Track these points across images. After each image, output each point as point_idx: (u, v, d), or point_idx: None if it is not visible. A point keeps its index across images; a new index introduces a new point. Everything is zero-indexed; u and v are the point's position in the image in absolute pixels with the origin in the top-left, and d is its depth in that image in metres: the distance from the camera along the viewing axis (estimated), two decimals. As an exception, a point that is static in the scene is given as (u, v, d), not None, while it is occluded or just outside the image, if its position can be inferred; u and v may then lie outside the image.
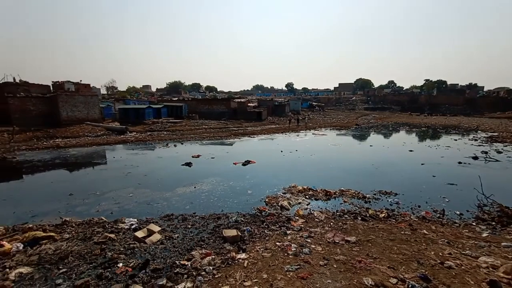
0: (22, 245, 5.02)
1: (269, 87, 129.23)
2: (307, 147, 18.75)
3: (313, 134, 27.30)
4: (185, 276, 3.96)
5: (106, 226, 6.21)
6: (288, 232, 5.78)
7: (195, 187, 9.68)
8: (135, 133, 24.59)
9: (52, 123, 25.13)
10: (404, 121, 41.16)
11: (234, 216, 6.85)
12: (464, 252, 4.62)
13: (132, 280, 3.86)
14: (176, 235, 5.58)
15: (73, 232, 5.85)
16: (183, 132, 26.29)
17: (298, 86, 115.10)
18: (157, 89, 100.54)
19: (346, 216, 6.89)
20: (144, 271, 4.10)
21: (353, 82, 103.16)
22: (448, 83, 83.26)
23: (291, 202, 8.06)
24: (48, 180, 11.27)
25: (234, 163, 13.42)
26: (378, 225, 6.16)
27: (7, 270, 4.10)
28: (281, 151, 17.05)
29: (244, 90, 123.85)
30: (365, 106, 71.83)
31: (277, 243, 5.13)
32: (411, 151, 17.15)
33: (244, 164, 13.33)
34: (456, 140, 22.29)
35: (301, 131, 29.19)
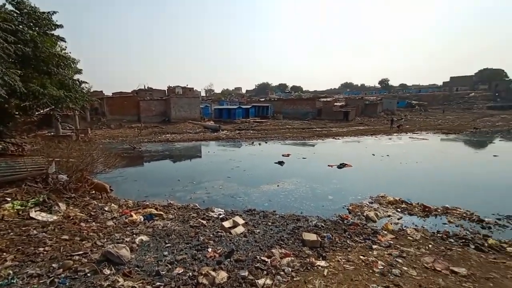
0: (143, 218, 6.39)
1: (359, 85, 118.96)
2: (401, 153, 16.32)
3: (410, 138, 23.55)
4: (265, 272, 4.13)
5: (199, 212, 7.15)
6: (374, 246, 5.20)
7: (278, 186, 9.97)
8: (226, 131, 27.35)
9: (164, 121, 31.02)
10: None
11: (314, 220, 6.68)
12: None
13: (219, 266, 4.31)
14: (257, 230, 5.88)
15: (175, 214, 7.01)
16: (267, 131, 27.47)
17: (394, 82, 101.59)
18: (246, 90, 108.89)
19: (452, 240, 5.64)
20: (229, 259, 4.52)
21: (473, 74, 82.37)
22: None
23: (378, 213, 7.22)
24: (159, 167, 13.95)
25: (329, 165, 13.04)
26: (504, 261, 4.75)
27: (134, 235, 5.31)
28: (373, 155, 15.53)
29: (331, 88, 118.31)
30: (488, 104, 56.58)
31: (361, 257, 4.70)
32: None
33: (339, 167, 12.80)
34: None
35: (394, 134, 25.65)
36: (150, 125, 29.02)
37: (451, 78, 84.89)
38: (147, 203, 7.82)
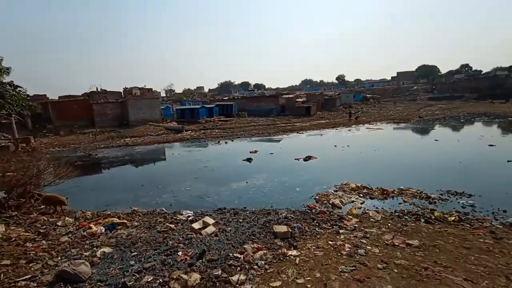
0: (104, 229, 5.90)
1: (318, 81, 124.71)
2: (360, 143, 17.54)
3: (367, 128, 25.40)
4: (238, 268, 4.11)
5: (167, 217, 6.84)
6: (341, 231, 5.51)
7: (246, 182, 9.98)
8: (190, 131, 26.53)
9: (122, 124, 29.01)
10: (482, 111, 35.11)
11: (283, 212, 6.83)
12: None
13: (191, 268, 4.17)
14: (229, 228, 5.83)
15: (140, 220, 6.61)
16: (233, 129, 27.31)
17: (350, 78, 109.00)
18: (209, 89, 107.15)
19: (407, 217, 6.25)
20: (200, 260, 4.40)
21: (414, 70, 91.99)
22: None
23: (343, 200, 7.67)
24: (120, 174, 13.04)
25: (295, 159, 13.37)
26: (446, 229, 5.41)
27: (95, 248, 4.88)
28: (335, 146, 16.45)
29: (292, 85, 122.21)
30: (429, 95, 63.58)
31: (330, 242, 4.94)
32: (491, 145, 14.52)
33: (305, 160, 13.20)
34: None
35: (353, 125, 27.45)
36: (106, 129, 26.82)
37: (398, 73, 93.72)
38: (108, 213, 7.25)
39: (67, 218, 6.58)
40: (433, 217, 6.09)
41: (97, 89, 46.47)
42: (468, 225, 5.68)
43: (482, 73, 76.11)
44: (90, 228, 5.87)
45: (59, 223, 6.23)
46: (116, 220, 6.40)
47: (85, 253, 4.69)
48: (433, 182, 8.87)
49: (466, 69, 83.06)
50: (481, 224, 5.74)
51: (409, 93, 68.23)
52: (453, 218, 6.01)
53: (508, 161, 11.10)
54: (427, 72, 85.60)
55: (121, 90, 50.47)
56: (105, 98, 37.41)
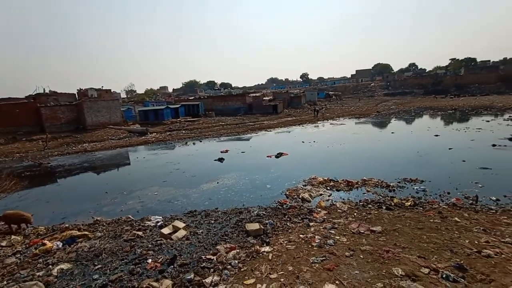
0: (61, 244, 5.38)
1: (284, 79, 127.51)
2: (325, 138, 18.37)
3: (331, 124, 26.68)
4: (212, 270, 4.06)
5: (134, 224, 6.49)
6: (311, 224, 5.73)
7: (217, 183, 9.85)
8: (155, 133, 25.36)
9: (78, 128, 26.69)
10: (428, 105, 39.12)
11: (255, 210, 6.89)
12: (503, 240, 4.33)
13: (162, 275, 4.01)
14: (200, 231, 5.71)
15: (104, 230, 6.17)
16: (201, 130, 26.73)
17: (313, 76, 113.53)
18: (173, 89, 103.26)
19: (370, 206, 6.71)
20: (172, 266, 4.25)
21: (371, 67, 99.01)
22: (478, 60, 77.34)
23: (312, 194, 7.96)
24: (78, 183, 11.98)
25: (267, 156, 13.48)
26: (404, 214, 5.94)
27: (50, 266, 4.43)
28: (303, 142, 17.00)
29: (259, 84, 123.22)
30: (384, 92, 68.88)
31: (301, 235, 5.10)
32: (436, 135, 16.27)
33: (277, 157, 13.39)
34: (488, 121, 20.83)
35: (318, 122, 28.63)
36: (59, 135, 24.39)
37: (357, 71, 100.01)
38: (66, 225, 6.64)
39: (13, 237, 5.88)
40: (392, 204, 6.64)
41: (44, 90, 42.10)
42: (421, 208, 6.29)
43: (426, 71, 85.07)
44: (44, 244, 5.32)
45: (3, 243, 5.54)
46: (75, 232, 5.89)
47: (38, 273, 4.24)
48: (391, 171, 9.65)
49: (413, 67, 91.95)
50: (431, 206, 6.41)
51: (367, 89, 73.12)
52: (409, 203, 6.61)
53: (449, 148, 12.57)
54: (382, 69, 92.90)
55: (75, 92, 46.46)
56: (56, 101, 34.06)
